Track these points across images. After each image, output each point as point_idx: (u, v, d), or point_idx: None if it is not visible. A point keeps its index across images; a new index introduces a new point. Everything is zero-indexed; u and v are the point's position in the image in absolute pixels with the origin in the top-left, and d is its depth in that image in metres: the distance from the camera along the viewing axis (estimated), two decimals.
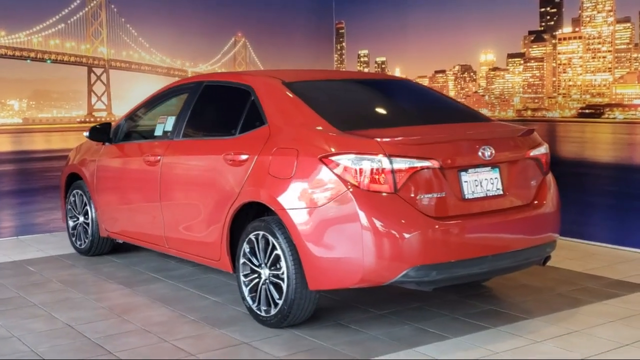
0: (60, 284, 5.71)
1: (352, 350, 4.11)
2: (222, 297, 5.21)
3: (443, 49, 9.05)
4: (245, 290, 4.64)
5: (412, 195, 4.02)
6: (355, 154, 4.03)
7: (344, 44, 10.60)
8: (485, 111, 8.41)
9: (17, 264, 6.48)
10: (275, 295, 4.40)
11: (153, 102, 6.07)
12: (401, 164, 4.00)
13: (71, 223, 6.88)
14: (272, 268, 4.42)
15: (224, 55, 10.93)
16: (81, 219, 6.71)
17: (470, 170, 4.28)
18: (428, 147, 4.14)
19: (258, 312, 4.54)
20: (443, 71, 9.31)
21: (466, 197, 4.24)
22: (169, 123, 5.59)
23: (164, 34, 9.54)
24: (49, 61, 9.57)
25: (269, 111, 4.68)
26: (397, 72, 9.90)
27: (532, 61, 8.01)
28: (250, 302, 4.61)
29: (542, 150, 4.70)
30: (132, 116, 6.22)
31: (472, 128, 4.64)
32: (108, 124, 6.34)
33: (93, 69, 10.05)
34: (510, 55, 8.34)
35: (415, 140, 4.16)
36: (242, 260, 4.66)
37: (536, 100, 7.99)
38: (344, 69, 10.68)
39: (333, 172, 4.07)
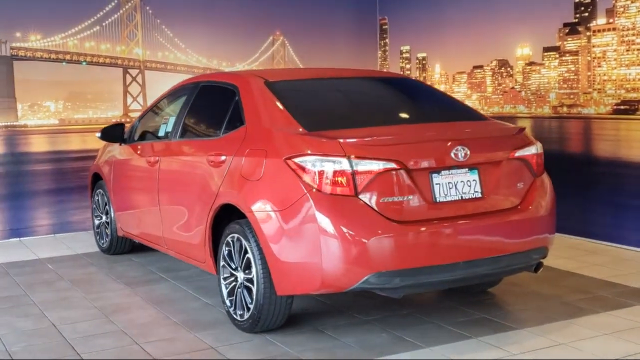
0: (68, 283, 5.81)
1: (317, 357, 3.98)
2: (214, 299, 5.15)
3: (482, 44, 8.79)
4: (225, 293, 4.58)
5: (375, 198, 3.84)
6: (317, 155, 3.89)
7: (387, 40, 10.38)
8: (522, 108, 8.03)
9: (40, 261, 6.66)
10: (248, 300, 4.32)
11: (163, 103, 6.10)
12: (363, 165, 3.83)
13: (96, 222, 7.03)
14: (246, 272, 4.34)
15: (262, 54, 10.97)
16: (103, 218, 6.84)
17: (443, 172, 4.04)
18: (394, 148, 3.94)
19: (234, 316, 4.47)
20: (481, 67, 9.00)
21: (437, 200, 4.01)
22: (170, 124, 5.61)
23: (200, 34, 9.69)
24: (84, 63, 9.88)
25: (248, 111, 4.59)
26: (437, 68, 9.61)
27: (567, 55, 7.64)
28: (228, 305, 4.54)
29: (532, 150, 4.39)
30: (144, 116, 6.29)
31: (449, 127, 4.38)
32: (121, 125, 6.43)
33: (128, 70, 10.33)
34: (546, 49, 7.94)
35: (380, 141, 3.97)
36: (222, 263, 4.60)
37: (572, 96, 7.59)
38: (387, 66, 10.45)
39: (295, 174, 3.94)
